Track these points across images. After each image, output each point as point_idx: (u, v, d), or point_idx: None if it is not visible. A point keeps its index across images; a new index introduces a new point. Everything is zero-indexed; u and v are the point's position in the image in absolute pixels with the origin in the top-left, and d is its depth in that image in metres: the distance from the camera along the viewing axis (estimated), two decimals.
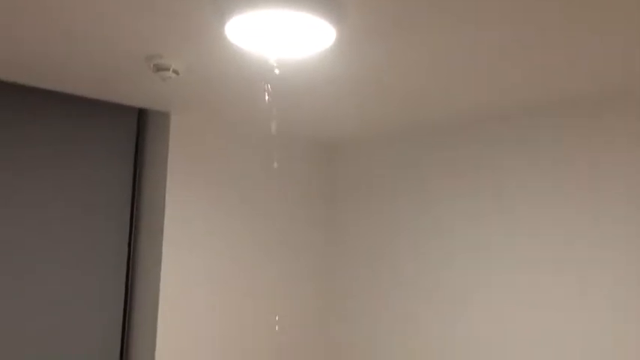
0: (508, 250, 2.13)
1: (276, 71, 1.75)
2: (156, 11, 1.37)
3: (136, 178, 2.38)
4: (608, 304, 1.88)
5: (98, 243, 2.25)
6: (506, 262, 2.13)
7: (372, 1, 1.30)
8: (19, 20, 1.45)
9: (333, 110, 2.26)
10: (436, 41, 1.54)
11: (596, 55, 1.62)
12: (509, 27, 1.44)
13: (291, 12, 1.28)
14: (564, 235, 2.00)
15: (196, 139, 2.35)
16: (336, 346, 2.63)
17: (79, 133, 2.23)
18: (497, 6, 1.31)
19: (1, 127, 2.05)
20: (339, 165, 2.78)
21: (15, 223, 2.06)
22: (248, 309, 2.44)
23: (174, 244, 2.25)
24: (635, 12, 1.33)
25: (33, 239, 2.09)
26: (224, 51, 1.64)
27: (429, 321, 2.32)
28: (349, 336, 2.59)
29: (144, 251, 2.35)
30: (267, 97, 2.01)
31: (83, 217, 2.20)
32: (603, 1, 1.28)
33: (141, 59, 1.73)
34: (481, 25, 1.43)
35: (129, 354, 2.25)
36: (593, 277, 1.92)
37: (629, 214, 1.87)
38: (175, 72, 1.75)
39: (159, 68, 1.74)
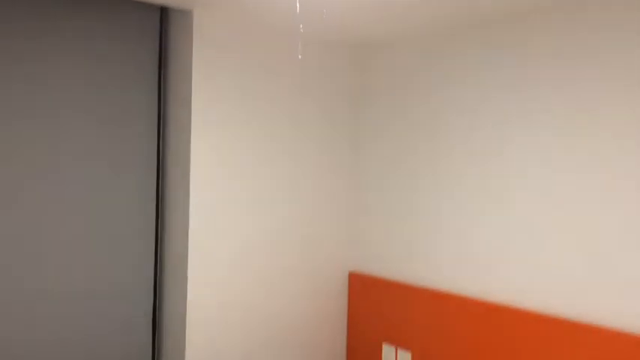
0: (531, 145, 2.04)
1: None
2: None
3: (161, 76, 2.37)
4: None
5: (127, 142, 2.26)
6: (529, 158, 2.06)
7: None
8: None
9: (358, 9, 2.23)
10: None
11: None
12: None
13: None
14: (590, 127, 1.89)
15: (219, 36, 2.30)
16: (359, 235, 2.77)
17: (100, 33, 2.18)
18: None
19: (30, 29, 2.00)
20: (365, 65, 2.77)
21: (38, 125, 2.04)
22: (274, 201, 2.49)
23: (202, 138, 2.27)
24: None
25: (60, 140, 2.07)
26: None
27: (446, 216, 2.37)
28: (370, 226, 2.72)
29: (172, 148, 2.37)
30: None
31: (111, 119, 2.20)
32: None
33: None
34: None
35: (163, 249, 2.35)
36: (621, 168, 1.80)
37: None
38: None
39: None
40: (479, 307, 2.20)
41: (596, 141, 1.92)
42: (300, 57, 1.98)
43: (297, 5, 2.13)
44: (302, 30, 2.50)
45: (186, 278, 2.26)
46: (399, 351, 2.51)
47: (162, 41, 2.43)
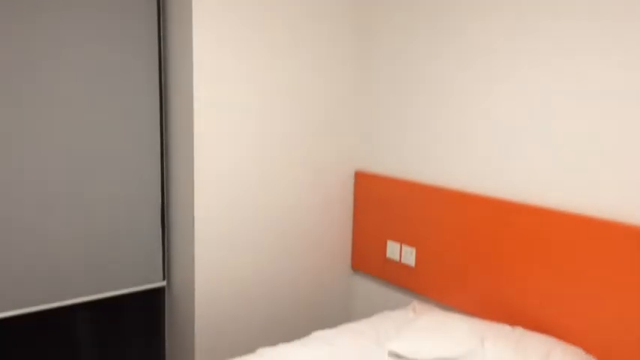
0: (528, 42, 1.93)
1: None
2: None
3: None
4: None
5: (128, 34, 2.18)
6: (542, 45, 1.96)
7: None
8: None
9: None
10: None
11: None
12: None
13: None
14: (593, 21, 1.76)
15: None
16: (365, 134, 2.75)
17: None
18: None
19: None
20: None
21: (40, 36, 1.93)
22: (281, 100, 2.43)
23: (205, 30, 2.17)
24: None
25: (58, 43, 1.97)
26: None
27: (451, 112, 2.32)
28: (376, 125, 2.68)
29: (174, 43, 2.31)
30: None
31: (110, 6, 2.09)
32: None
33: None
34: None
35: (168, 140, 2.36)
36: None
37: None
38: None
39: None
40: (482, 202, 2.19)
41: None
42: None
43: None
44: None
45: (192, 180, 2.26)
46: (403, 247, 2.54)
47: None
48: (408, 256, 2.52)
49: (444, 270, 2.36)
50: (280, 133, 2.49)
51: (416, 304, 2.37)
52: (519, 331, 1.91)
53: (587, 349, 1.85)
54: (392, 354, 1.92)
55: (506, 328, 1.95)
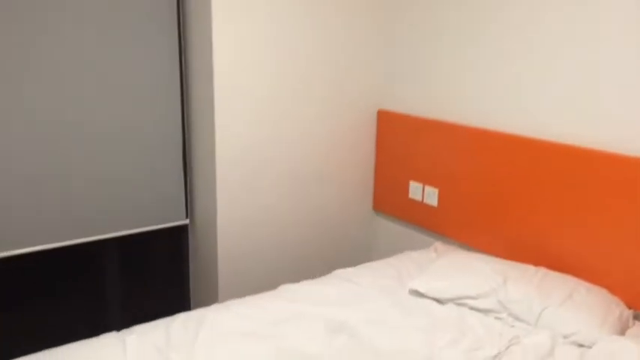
0: None
1: None
2: None
3: None
4: None
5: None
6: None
7: None
8: None
9: None
10: None
11: None
12: None
13: None
14: None
15: None
16: (389, 60, 2.66)
17: None
18: None
19: None
20: None
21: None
22: (303, 37, 2.35)
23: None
24: None
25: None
26: None
27: (474, 51, 2.25)
28: (401, 52, 2.60)
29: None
30: None
31: None
32: None
33: None
34: None
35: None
36: None
37: None
38: None
39: None
40: (506, 140, 2.13)
41: None
42: None
43: None
44: None
45: (212, 121, 2.24)
46: (426, 188, 2.52)
47: None
48: (430, 196, 2.50)
49: (466, 211, 2.33)
50: (302, 72, 2.43)
51: (438, 245, 2.36)
52: (542, 272, 1.89)
53: (612, 291, 1.83)
54: (413, 292, 1.93)
55: (530, 268, 1.93)
